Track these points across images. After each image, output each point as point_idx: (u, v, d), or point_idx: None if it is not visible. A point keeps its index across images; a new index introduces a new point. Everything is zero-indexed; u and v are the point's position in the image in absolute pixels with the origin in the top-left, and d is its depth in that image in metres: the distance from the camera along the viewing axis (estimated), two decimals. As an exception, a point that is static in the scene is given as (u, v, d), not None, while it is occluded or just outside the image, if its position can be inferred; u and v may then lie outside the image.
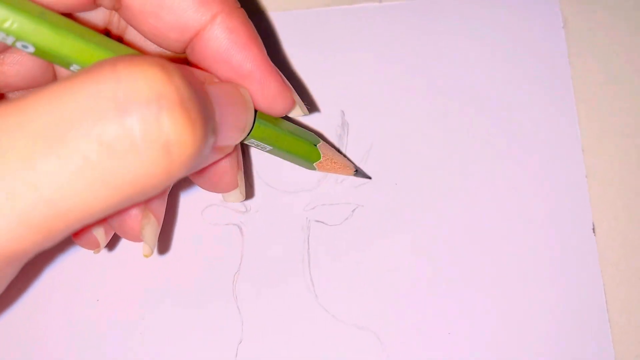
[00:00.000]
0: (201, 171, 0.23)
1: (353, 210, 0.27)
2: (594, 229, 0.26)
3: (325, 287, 0.26)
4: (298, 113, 0.23)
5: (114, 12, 0.21)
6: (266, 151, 0.23)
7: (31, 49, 0.18)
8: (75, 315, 0.26)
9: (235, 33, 0.20)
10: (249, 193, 0.27)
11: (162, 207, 0.23)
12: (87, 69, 0.15)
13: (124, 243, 0.27)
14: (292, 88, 0.22)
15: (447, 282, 0.26)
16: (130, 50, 0.20)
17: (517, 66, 0.28)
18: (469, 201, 0.26)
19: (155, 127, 0.14)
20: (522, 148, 0.27)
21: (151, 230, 0.22)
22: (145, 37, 0.21)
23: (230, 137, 0.20)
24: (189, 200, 0.27)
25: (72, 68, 0.19)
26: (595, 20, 0.28)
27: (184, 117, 0.15)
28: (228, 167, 0.23)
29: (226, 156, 0.22)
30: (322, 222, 0.27)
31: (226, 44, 0.20)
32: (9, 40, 0.17)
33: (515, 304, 0.25)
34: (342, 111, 0.28)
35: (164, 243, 0.27)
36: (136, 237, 0.23)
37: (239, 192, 0.24)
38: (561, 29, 0.28)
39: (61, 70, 0.22)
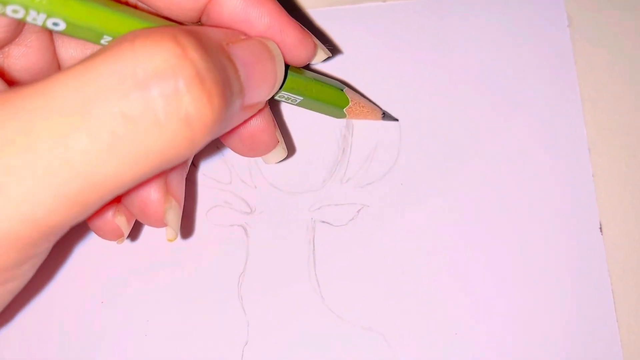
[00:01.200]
0: (235, 132, 0.23)
1: (358, 211, 0.27)
2: (601, 229, 0.26)
3: (331, 288, 0.26)
4: (321, 57, 0.23)
5: None
6: (296, 104, 0.23)
7: (62, 26, 0.18)
8: (80, 318, 0.26)
9: None
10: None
11: (181, 189, 0.23)
12: (106, 47, 0.15)
13: (127, 245, 0.27)
14: (311, 34, 0.22)
15: (453, 283, 0.26)
16: (156, 18, 0.20)
17: (522, 65, 0.28)
18: (475, 201, 0.26)
19: (174, 101, 0.15)
20: (528, 148, 0.27)
21: (174, 213, 0.22)
22: (159, 11, 0.21)
23: (260, 94, 0.20)
24: (193, 201, 0.27)
25: (102, 41, 0.18)
26: (601, 19, 0.28)
27: (201, 90, 0.15)
28: (265, 126, 0.23)
29: (258, 115, 0.22)
30: (328, 223, 0.27)
31: (241, 4, 0.20)
32: (40, 20, 0.17)
33: (522, 304, 0.25)
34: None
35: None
36: (159, 222, 0.23)
37: (281, 149, 0.24)
38: (566, 27, 0.28)
39: (66, 61, 0.22)
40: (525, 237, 0.26)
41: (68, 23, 0.18)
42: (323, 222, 0.27)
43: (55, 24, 0.17)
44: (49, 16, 0.17)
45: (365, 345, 0.25)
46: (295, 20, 0.22)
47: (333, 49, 0.27)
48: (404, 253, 0.26)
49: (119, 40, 0.16)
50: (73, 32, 0.18)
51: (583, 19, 0.28)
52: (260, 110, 0.22)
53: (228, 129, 0.20)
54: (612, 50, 0.28)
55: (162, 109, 0.15)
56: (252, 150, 0.24)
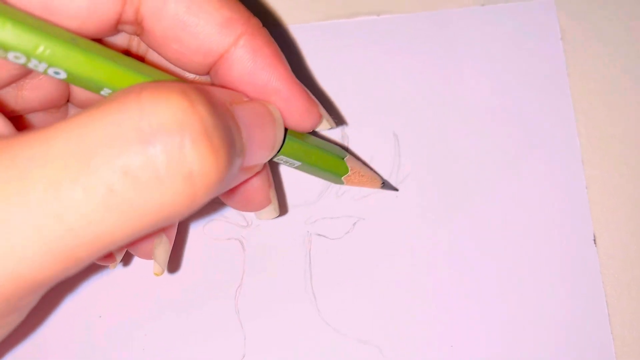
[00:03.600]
0: (232, 191, 0.23)
1: (354, 224, 0.27)
2: (595, 240, 0.26)
3: (328, 301, 0.26)
4: (325, 127, 0.23)
5: (134, 36, 0.21)
6: (294, 167, 0.23)
7: (63, 75, 0.18)
8: (77, 331, 0.26)
9: (259, 53, 0.20)
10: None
11: (174, 227, 0.23)
12: (112, 97, 0.15)
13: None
14: (319, 103, 0.22)
15: (449, 295, 0.26)
16: (160, 73, 0.20)
17: (515, 78, 0.28)
18: (470, 213, 0.26)
19: (178, 158, 0.14)
20: (522, 160, 0.27)
21: (163, 249, 0.22)
22: (168, 61, 0.20)
23: (260, 156, 0.20)
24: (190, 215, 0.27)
25: (102, 92, 0.18)
26: (593, 31, 0.28)
27: (207, 147, 0.15)
28: (260, 185, 0.23)
29: (257, 174, 0.22)
30: (324, 236, 0.27)
31: (251, 65, 0.20)
32: (41, 68, 0.17)
33: (517, 316, 0.25)
34: (342, 125, 0.28)
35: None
36: (148, 256, 0.23)
37: (272, 209, 0.24)
38: (559, 40, 0.28)
39: (77, 93, 0.22)
40: (519, 248, 0.26)
41: (69, 73, 0.18)
42: (319, 235, 0.27)
43: (57, 73, 0.17)
44: (50, 65, 0.17)
45: (361, 358, 0.25)
46: (303, 87, 0.21)
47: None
48: (399, 266, 0.26)
49: (125, 91, 0.15)
50: (74, 81, 0.18)
51: (576, 31, 0.28)
52: (258, 172, 0.22)
53: (227, 189, 0.19)
54: (605, 62, 0.28)
55: (164, 165, 0.14)
56: (244, 206, 0.24)
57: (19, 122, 0.22)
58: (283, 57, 0.21)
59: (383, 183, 0.26)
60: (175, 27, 0.19)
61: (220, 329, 0.26)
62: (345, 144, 0.28)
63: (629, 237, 0.26)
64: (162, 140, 0.14)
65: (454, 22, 0.28)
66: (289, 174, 0.27)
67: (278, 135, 0.21)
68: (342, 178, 0.25)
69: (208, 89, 0.18)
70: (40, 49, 0.17)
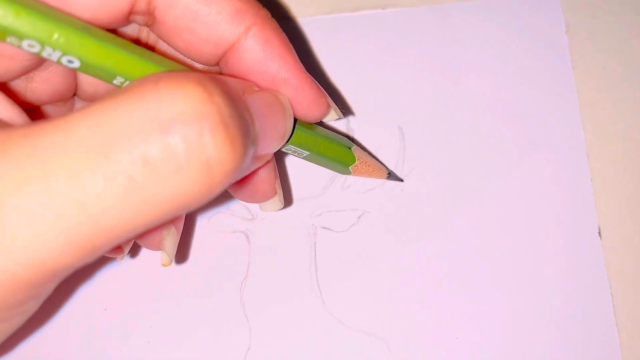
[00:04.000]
0: (240, 182, 0.23)
1: (359, 217, 0.27)
2: (600, 233, 0.26)
3: (333, 293, 0.26)
4: (333, 117, 0.23)
5: (144, 27, 0.21)
6: (302, 157, 0.23)
7: (76, 64, 0.18)
8: (82, 324, 0.26)
9: (269, 44, 0.20)
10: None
11: (181, 218, 0.23)
12: (129, 87, 0.15)
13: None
14: (327, 93, 0.22)
15: (454, 288, 0.26)
16: (172, 63, 0.20)
17: (520, 72, 0.28)
18: (474, 207, 0.27)
19: (197, 147, 0.15)
20: (527, 154, 0.27)
21: (171, 240, 0.23)
22: (178, 51, 0.21)
23: (270, 146, 0.20)
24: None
25: (115, 82, 0.19)
26: (598, 25, 0.28)
27: (225, 136, 0.15)
28: (266, 176, 0.23)
29: (263, 165, 0.22)
30: (329, 229, 0.27)
31: (261, 55, 0.20)
32: (55, 56, 0.17)
33: (522, 309, 0.25)
34: (347, 118, 0.28)
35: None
36: (156, 247, 0.23)
37: (277, 200, 0.24)
38: (564, 34, 0.28)
39: (85, 86, 0.22)
40: (524, 241, 0.26)
41: (82, 62, 0.18)
42: (324, 228, 0.27)
43: (70, 62, 0.18)
44: (64, 54, 0.17)
45: (366, 351, 0.25)
46: (312, 78, 0.22)
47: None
48: (404, 258, 0.26)
49: (141, 80, 0.15)
50: (87, 70, 0.18)
51: (581, 25, 0.28)
52: (265, 163, 0.22)
53: (240, 178, 0.19)
54: (610, 55, 0.28)
55: (184, 154, 0.15)
56: (250, 197, 0.24)
57: (32, 114, 0.22)
58: (292, 48, 0.21)
59: (389, 174, 0.26)
60: (187, 16, 0.19)
61: (225, 322, 0.26)
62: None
63: (634, 230, 0.26)
64: (181, 129, 0.14)
65: (458, 16, 0.28)
66: (294, 167, 0.27)
67: (288, 125, 0.21)
68: (350, 168, 0.25)
69: (222, 78, 0.18)
70: (55, 36, 0.17)
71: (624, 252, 0.26)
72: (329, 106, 0.22)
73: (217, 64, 0.21)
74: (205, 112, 0.15)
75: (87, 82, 0.22)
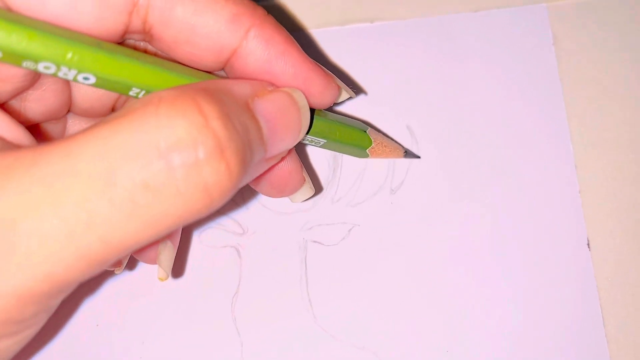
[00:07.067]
0: (264, 178, 0.23)
1: (349, 230, 0.27)
2: (588, 244, 0.26)
3: (324, 307, 0.26)
4: (345, 97, 0.23)
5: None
6: (319, 146, 0.24)
7: (92, 80, 0.18)
8: (74, 340, 0.26)
9: (271, 42, 0.20)
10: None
11: (178, 232, 0.24)
12: (131, 109, 0.16)
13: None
14: (335, 76, 0.23)
15: (444, 300, 0.26)
16: (184, 68, 0.20)
17: (508, 83, 0.28)
18: (463, 219, 0.27)
19: (194, 172, 0.16)
20: (515, 164, 0.27)
21: (168, 255, 0.23)
22: (181, 63, 0.21)
23: (284, 145, 0.20)
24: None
25: (131, 93, 0.19)
26: (585, 36, 0.28)
27: (220, 161, 0.16)
28: (292, 168, 0.23)
29: (284, 159, 0.23)
30: (319, 243, 0.27)
31: (265, 55, 0.20)
32: (71, 75, 0.18)
33: (512, 321, 0.26)
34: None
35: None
36: (153, 261, 0.23)
37: (307, 188, 0.25)
38: (551, 45, 0.28)
39: (79, 103, 0.22)
40: (513, 253, 0.26)
41: (98, 77, 0.18)
42: (315, 241, 0.27)
43: (86, 78, 0.18)
44: (79, 72, 0.18)
45: (358, 364, 0.25)
46: (319, 65, 0.22)
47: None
48: (395, 272, 0.26)
49: (144, 102, 0.16)
50: (103, 85, 0.18)
51: (568, 36, 0.28)
52: (287, 154, 0.22)
53: (248, 181, 0.20)
54: (597, 67, 0.28)
55: (182, 179, 0.16)
56: (280, 192, 0.24)
57: (31, 131, 0.22)
58: (294, 40, 0.21)
59: (405, 152, 0.26)
60: (185, 30, 0.19)
61: (217, 337, 0.26)
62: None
63: (622, 241, 0.26)
64: (179, 156, 0.15)
65: (446, 29, 0.29)
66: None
67: (304, 123, 0.21)
68: (367, 150, 0.25)
69: (227, 85, 0.18)
70: (69, 55, 0.17)
71: (613, 264, 0.26)
72: (339, 88, 0.23)
73: (222, 69, 0.21)
74: (201, 138, 0.16)
75: (82, 98, 0.22)
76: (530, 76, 0.28)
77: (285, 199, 0.27)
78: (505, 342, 0.25)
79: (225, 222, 0.27)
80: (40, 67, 0.17)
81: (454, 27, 0.29)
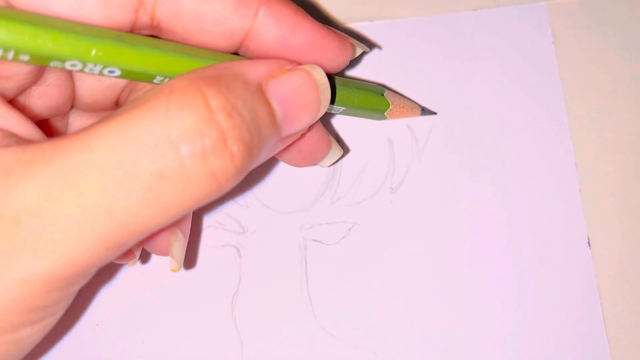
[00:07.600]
0: (293, 148, 0.23)
1: (349, 229, 0.27)
2: (589, 243, 0.26)
3: (324, 306, 0.26)
4: (359, 52, 0.24)
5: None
6: (339, 113, 0.24)
7: (117, 72, 0.19)
8: (74, 339, 0.26)
9: (281, 18, 0.20)
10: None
11: (188, 223, 0.24)
12: (143, 100, 0.17)
13: (122, 268, 0.27)
14: (345, 34, 0.23)
15: (444, 299, 0.26)
16: (204, 51, 0.20)
17: (508, 82, 0.28)
18: (463, 218, 0.27)
19: (202, 161, 0.17)
20: (515, 163, 0.27)
21: (179, 246, 0.23)
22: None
23: (300, 124, 0.20)
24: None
25: (155, 81, 0.19)
26: (585, 35, 0.28)
27: (224, 151, 0.17)
28: (319, 136, 0.24)
29: (312, 128, 0.23)
30: (319, 242, 0.27)
31: (277, 32, 0.20)
32: (97, 70, 0.18)
33: (512, 320, 0.26)
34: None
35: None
36: (165, 252, 0.24)
37: (336, 149, 0.25)
38: (551, 44, 0.28)
39: (83, 98, 0.23)
40: (513, 252, 0.26)
41: (123, 70, 0.18)
42: (315, 240, 0.27)
43: (111, 72, 0.18)
44: (104, 66, 0.18)
45: (358, 364, 0.25)
46: (331, 30, 0.22)
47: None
48: (395, 271, 0.26)
49: (155, 93, 0.17)
50: (128, 76, 0.19)
51: (568, 35, 0.28)
52: (313, 125, 0.23)
53: (261, 162, 0.21)
54: (597, 66, 0.28)
55: (192, 167, 0.17)
56: (312, 160, 0.25)
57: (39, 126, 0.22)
58: (303, 11, 0.21)
59: (422, 110, 0.27)
60: (194, 20, 0.20)
61: (217, 336, 0.26)
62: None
63: (622, 239, 0.26)
64: (188, 148, 0.17)
65: (446, 27, 0.29)
66: (284, 180, 0.28)
67: (323, 101, 0.21)
68: (385, 113, 0.25)
69: (242, 69, 0.19)
70: (93, 52, 0.18)
71: (613, 262, 0.26)
72: (353, 46, 0.23)
73: (236, 52, 0.21)
74: (206, 131, 0.17)
75: (85, 93, 0.23)
76: (530, 75, 0.28)
77: (285, 199, 0.27)
78: (505, 341, 0.25)
79: (226, 221, 0.27)
80: (67, 65, 0.18)
81: (454, 26, 0.29)
